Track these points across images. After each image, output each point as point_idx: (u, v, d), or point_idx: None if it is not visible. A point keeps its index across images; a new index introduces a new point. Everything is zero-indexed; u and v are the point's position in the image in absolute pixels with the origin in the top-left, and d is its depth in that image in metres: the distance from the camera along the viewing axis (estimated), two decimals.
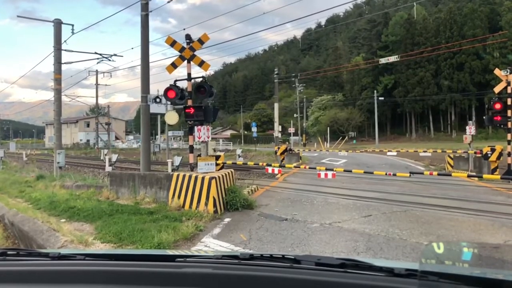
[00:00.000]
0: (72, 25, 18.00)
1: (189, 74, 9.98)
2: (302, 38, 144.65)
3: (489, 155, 14.36)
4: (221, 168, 11.75)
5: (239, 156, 19.70)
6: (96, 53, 21.72)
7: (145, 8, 12.55)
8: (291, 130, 48.53)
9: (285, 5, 18.82)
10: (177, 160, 16.54)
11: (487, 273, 1.08)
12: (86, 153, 51.63)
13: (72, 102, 43.94)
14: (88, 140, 74.88)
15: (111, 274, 1.31)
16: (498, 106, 13.79)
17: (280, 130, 31.63)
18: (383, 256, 5.31)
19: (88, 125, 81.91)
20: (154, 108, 16.50)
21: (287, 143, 46.22)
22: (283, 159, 20.63)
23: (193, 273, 1.28)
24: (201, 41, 9.95)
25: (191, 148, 10.43)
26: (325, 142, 54.29)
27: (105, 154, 23.47)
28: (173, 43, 9.96)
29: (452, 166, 17.42)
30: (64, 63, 17.94)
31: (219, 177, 8.65)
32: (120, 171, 14.98)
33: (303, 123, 63.59)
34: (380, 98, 54.17)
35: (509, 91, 14.06)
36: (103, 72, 37.03)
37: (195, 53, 9.90)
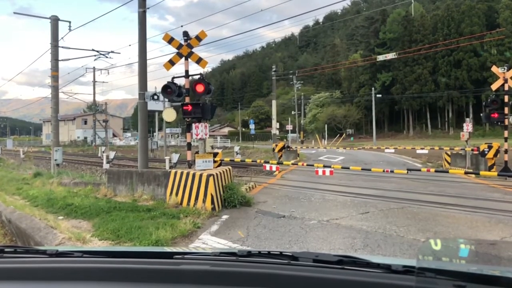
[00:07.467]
0: (69, 22, 17.99)
1: (186, 71, 9.97)
2: (299, 35, 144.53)
3: (486, 152, 14.41)
4: (218, 165, 11.74)
5: (237, 153, 19.66)
6: (93, 50, 21.65)
7: (142, 4, 12.50)
8: (289, 127, 48.60)
9: (282, 2, 18.75)
10: (175, 157, 16.53)
11: (484, 269, 1.09)
12: (84, 151, 51.43)
13: (69, 99, 43.73)
14: (85, 138, 74.61)
15: (108, 271, 1.31)
16: (495, 103, 13.85)
17: (278, 127, 31.59)
18: (381, 253, 5.33)
19: (85, 123, 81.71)
20: (152, 105, 16.50)
21: (285, 140, 46.29)
22: (281, 156, 20.65)
23: (191, 270, 1.28)
24: (198, 38, 9.91)
25: (189, 145, 10.43)
26: (323, 139, 54.35)
27: (103, 152, 23.44)
28: (170, 40, 9.92)
29: (449, 163, 17.47)
30: (61, 60, 17.88)
31: (217, 174, 8.65)
32: (118, 168, 14.93)
33: (301, 120, 63.61)
34: (377, 95, 54.21)
35: (506, 88, 14.12)
36: (101, 69, 36.87)
37: (193, 50, 9.88)
